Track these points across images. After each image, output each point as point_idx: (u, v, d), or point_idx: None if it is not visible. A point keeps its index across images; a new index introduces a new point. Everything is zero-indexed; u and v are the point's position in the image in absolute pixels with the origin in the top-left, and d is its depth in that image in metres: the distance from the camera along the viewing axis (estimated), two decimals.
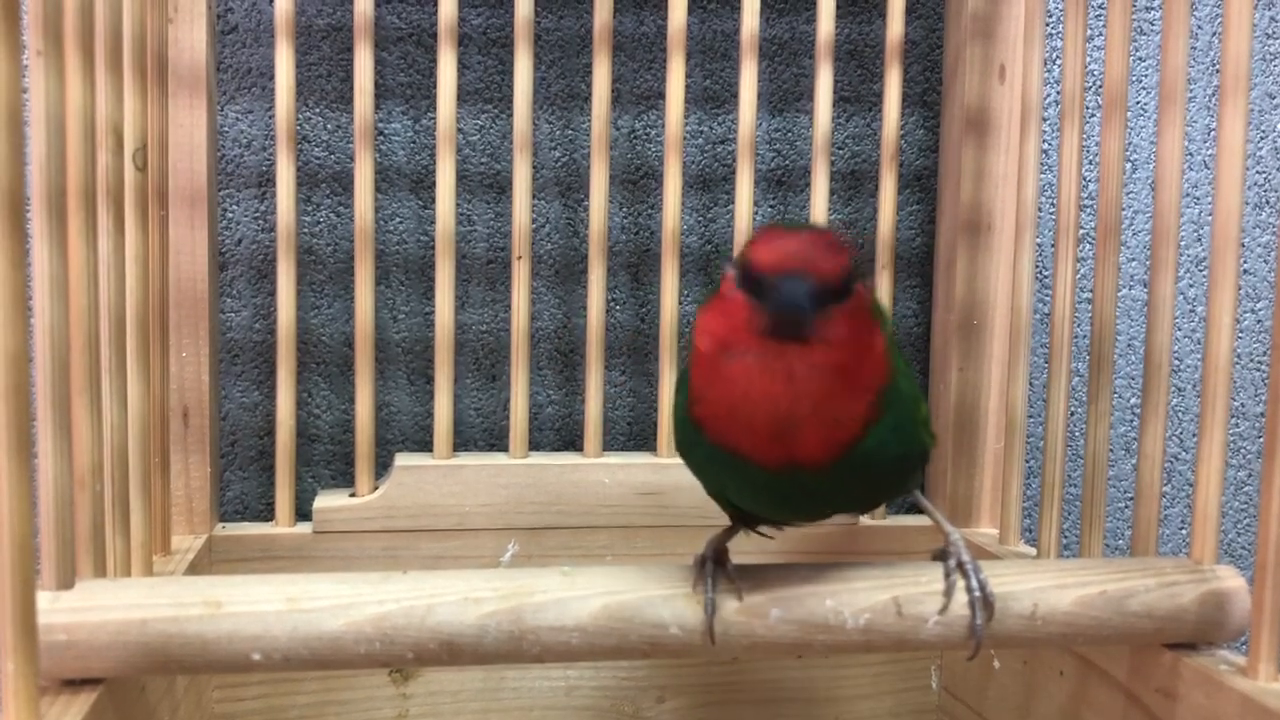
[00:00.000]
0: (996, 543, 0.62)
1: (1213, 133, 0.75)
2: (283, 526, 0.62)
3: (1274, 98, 0.76)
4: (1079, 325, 0.68)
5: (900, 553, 0.66)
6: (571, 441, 0.69)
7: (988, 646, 0.45)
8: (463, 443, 0.68)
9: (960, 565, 0.43)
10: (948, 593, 0.42)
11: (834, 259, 0.35)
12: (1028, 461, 0.60)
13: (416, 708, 0.63)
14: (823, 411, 0.36)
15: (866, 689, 0.67)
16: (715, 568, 0.42)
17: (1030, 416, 0.64)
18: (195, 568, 0.55)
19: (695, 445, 0.40)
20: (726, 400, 0.37)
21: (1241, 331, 0.76)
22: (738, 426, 0.37)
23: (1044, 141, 0.66)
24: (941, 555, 0.44)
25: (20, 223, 0.33)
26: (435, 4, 0.61)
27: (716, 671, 0.66)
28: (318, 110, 0.66)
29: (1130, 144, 0.74)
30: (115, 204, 0.45)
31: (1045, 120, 0.68)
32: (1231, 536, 0.78)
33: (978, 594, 0.42)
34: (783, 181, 0.70)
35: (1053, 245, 0.56)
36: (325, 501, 0.61)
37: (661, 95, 0.67)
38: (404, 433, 0.68)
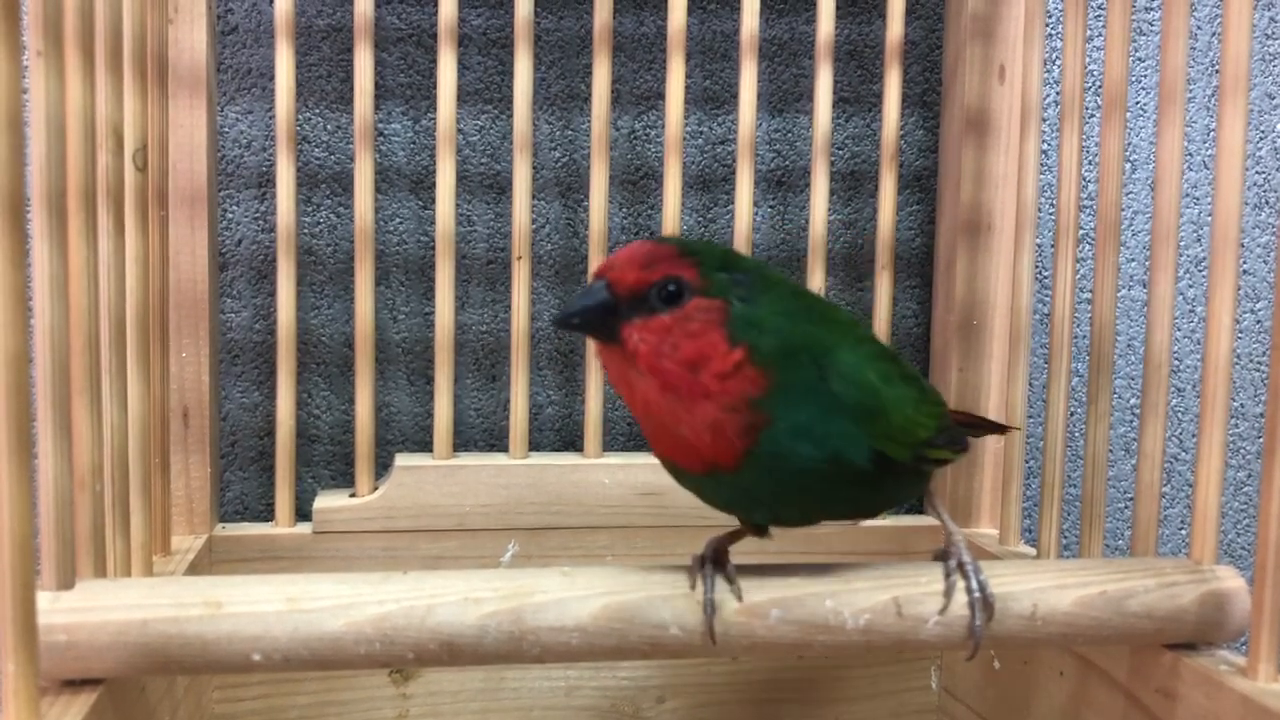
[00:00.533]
0: (996, 543, 0.62)
1: (1212, 133, 0.75)
2: (283, 527, 0.62)
3: (1273, 98, 0.76)
4: (1079, 325, 0.68)
5: (900, 553, 0.66)
6: (571, 442, 0.69)
7: (988, 647, 0.45)
8: (463, 443, 0.68)
9: (960, 565, 0.43)
10: (947, 593, 0.42)
11: (645, 270, 0.37)
12: (1027, 461, 0.60)
13: (417, 708, 0.63)
14: (674, 415, 0.38)
15: (866, 689, 0.67)
16: (714, 568, 0.42)
17: (1030, 417, 0.64)
18: (195, 568, 0.55)
19: None
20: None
21: (1241, 332, 0.76)
22: (644, 429, 0.41)
23: (1044, 142, 0.66)
24: (943, 555, 0.44)
25: (20, 223, 0.33)
26: (435, 5, 0.61)
27: (716, 671, 0.66)
28: (318, 111, 0.66)
29: (1130, 144, 0.74)
30: (115, 204, 0.45)
31: (1045, 120, 0.68)
32: (1231, 537, 0.78)
33: (977, 595, 0.42)
34: (782, 182, 0.70)
35: (1052, 245, 0.56)
36: (325, 502, 0.61)
37: (661, 96, 0.67)
38: (404, 433, 0.68)
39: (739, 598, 0.41)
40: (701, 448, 0.38)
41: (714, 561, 0.42)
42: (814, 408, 0.39)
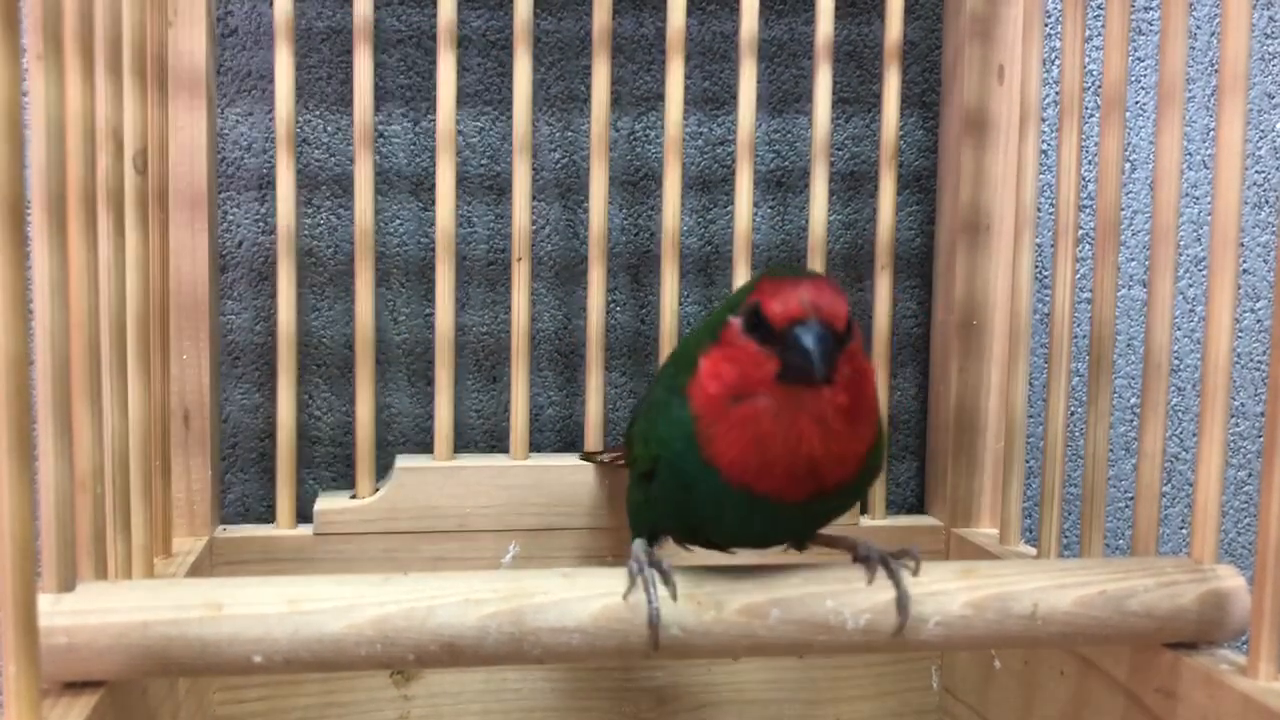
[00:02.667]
0: (997, 542, 0.62)
1: (1211, 132, 0.75)
2: (284, 529, 0.62)
3: (1272, 97, 0.76)
4: (1078, 325, 0.68)
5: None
6: (572, 443, 0.69)
7: (989, 646, 0.45)
8: (463, 444, 0.68)
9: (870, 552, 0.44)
10: (870, 568, 0.43)
11: (841, 304, 0.38)
12: (1028, 461, 0.60)
13: (418, 709, 0.63)
14: (844, 448, 0.39)
15: (867, 689, 0.67)
16: (652, 571, 0.42)
17: (1030, 416, 0.64)
18: (196, 570, 0.55)
19: (702, 483, 0.40)
20: (752, 444, 0.39)
21: (1241, 331, 0.76)
22: (762, 468, 0.39)
23: (1043, 142, 0.66)
24: (863, 558, 0.44)
25: (20, 226, 0.33)
26: (434, 6, 0.61)
27: (716, 671, 0.66)
28: (318, 113, 0.66)
29: (1129, 144, 0.74)
30: (115, 207, 0.45)
31: (1044, 120, 0.68)
32: (1232, 536, 0.78)
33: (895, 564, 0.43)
34: (782, 182, 0.70)
35: (1052, 245, 0.56)
36: (326, 504, 0.61)
37: (661, 97, 0.67)
38: (405, 434, 0.68)
39: (674, 596, 0.41)
40: (843, 471, 0.40)
41: (651, 565, 0.42)
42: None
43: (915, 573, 0.43)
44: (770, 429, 0.38)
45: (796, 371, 0.37)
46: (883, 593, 0.42)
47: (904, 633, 0.42)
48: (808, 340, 0.36)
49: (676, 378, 0.42)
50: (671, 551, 0.45)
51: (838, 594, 0.42)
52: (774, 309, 0.37)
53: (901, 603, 0.42)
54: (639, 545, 0.43)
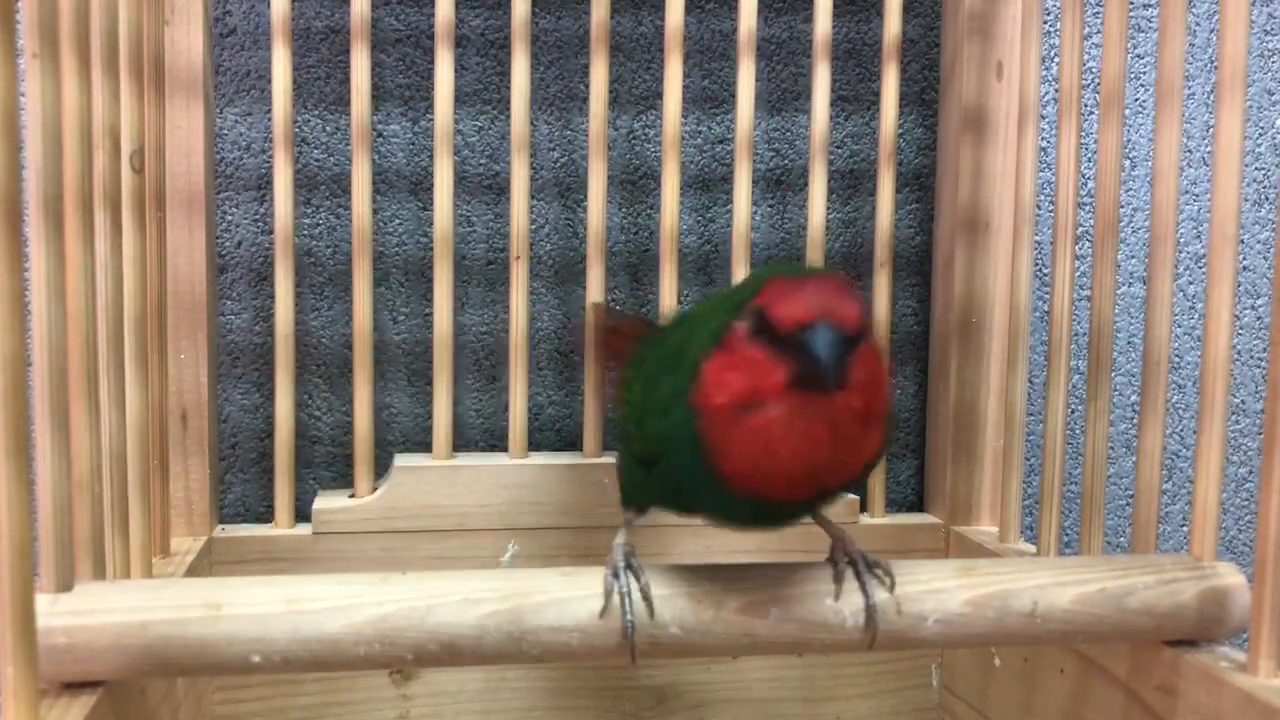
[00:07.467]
0: (996, 540, 0.62)
1: (1211, 129, 0.75)
2: (282, 528, 0.62)
3: (1272, 94, 0.76)
4: (1078, 323, 0.68)
5: (900, 551, 0.66)
6: (571, 442, 0.69)
7: (989, 644, 0.45)
8: (462, 443, 0.68)
9: (849, 555, 0.43)
10: (837, 579, 0.43)
11: (853, 305, 0.36)
12: (1028, 459, 0.60)
13: (417, 708, 0.63)
14: (854, 453, 0.38)
15: (866, 687, 0.67)
16: (629, 582, 0.41)
17: (1030, 414, 0.64)
18: (195, 570, 0.55)
19: (706, 486, 0.39)
20: (762, 455, 0.37)
21: (1241, 328, 0.76)
22: (771, 477, 0.37)
23: (1042, 139, 0.66)
24: (832, 558, 0.44)
25: (17, 226, 0.33)
26: (432, 6, 0.61)
27: (716, 671, 0.66)
28: (316, 113, 0.66)
29: (1128, 141, 0.74)
30: (112, 207, 0.45)
31: (1043, 118, 0.68)
32: (1233, 534, 0.78)
33: (866, 574, 0.43)
34: (781, 181, 0.70)
35: (1051, 243, 0.56)
36: (325, 503, 0.61)
37: (659, 95, 0.67)
38: (404, 434, 0.68)
39: (651, 613, 0.41)
40: (848, 474, 0.38)
41: (629, 569, 0.42)
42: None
43: (890, 589, 0.42)
44: (782, 439, 0.36)
45: (808, 379, 0.35)
46: (881, 591, 0.42)
47: (876, 637, 0.42)
48: (818, 346, 0.34)
49: (675, 376, 0.41)
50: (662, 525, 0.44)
51: (837, 591, 0.42)
52: (781, 313, 0.35)
53: (870, 615, 0.42)
54: (619, 549, 0.42)
